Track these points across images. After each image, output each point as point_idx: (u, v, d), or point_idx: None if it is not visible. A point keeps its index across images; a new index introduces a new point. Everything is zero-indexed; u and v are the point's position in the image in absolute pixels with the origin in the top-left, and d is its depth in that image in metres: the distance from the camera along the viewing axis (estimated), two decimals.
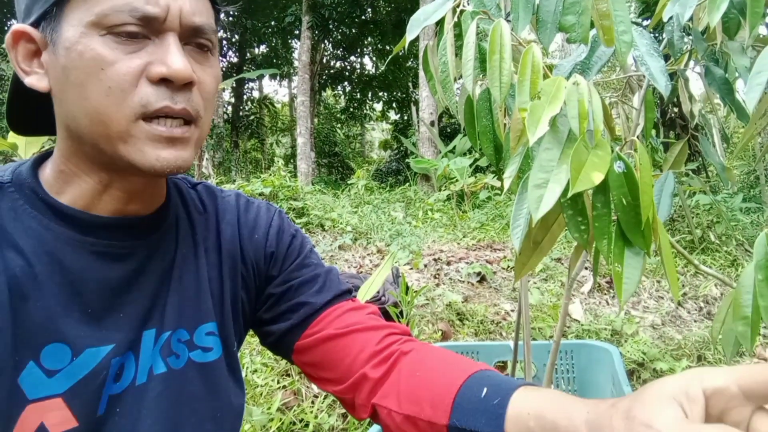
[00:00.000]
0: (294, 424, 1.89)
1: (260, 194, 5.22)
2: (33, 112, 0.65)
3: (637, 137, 1.08)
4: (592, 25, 0.76)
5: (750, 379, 0.37)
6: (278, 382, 2.11)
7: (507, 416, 0.54)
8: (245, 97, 17.55)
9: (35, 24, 0.55)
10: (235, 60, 16.76)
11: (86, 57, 0.52)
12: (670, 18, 0.90)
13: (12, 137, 2.89)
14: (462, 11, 0.76)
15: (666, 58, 0.89)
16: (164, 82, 0.53)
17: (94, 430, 0.56)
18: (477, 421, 0.56)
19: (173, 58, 0.53)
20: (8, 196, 0.57)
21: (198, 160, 6.93)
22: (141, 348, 0.61)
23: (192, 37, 0.56)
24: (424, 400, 0.61)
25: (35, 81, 0.56)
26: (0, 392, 0.51)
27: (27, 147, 2.70)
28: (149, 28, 0.53)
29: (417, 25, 0.77)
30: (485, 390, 0.57)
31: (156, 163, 0.54)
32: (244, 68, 15.97)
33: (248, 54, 17.12)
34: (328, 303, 0.72)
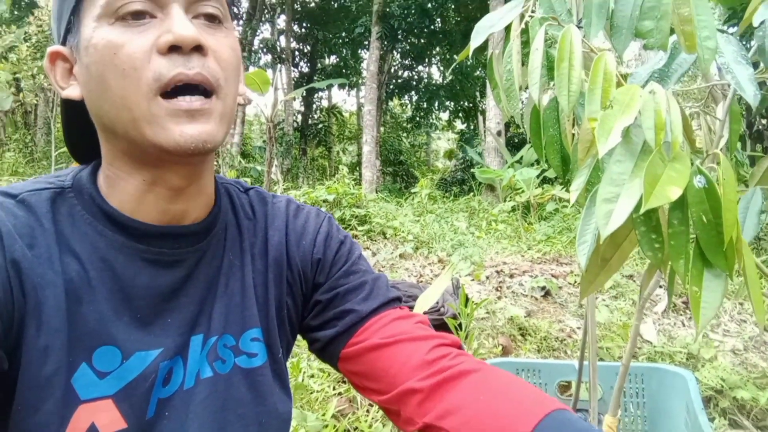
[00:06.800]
0: (348, 431, 1.90)
1: (324, 201, 5.32)
2: (88, 138, 0.68)
3: (721, 150, 1.01)
4: (672, 31, 0.72)
5: None
6: (334, 389, 2.12)
7: None
8: (314, 106, 17.99)
9: (63, 42, 0.59)
10: (306, 70, 17.25)
11: (100, 47, 0.54)
12: (762, 23, 0.83)
13: None
14: (531, 17, 0.74)
15: (755, 66, 0.82)
16: (175, 50, 0.54)
17: None
18: None
19: (177, 24, 0.53)
20: (68, 201, 0.59)
21: (267, 167, 7.14)
22: (189, 353, 0.62)
23: (196, 6, 0.57)
24: (488, 429, 0.56)
25: (70, 92, 0.59)
26: (55, 391, 0.53)
27: None
28: (153, 4, 0.54)
29: (482, 32, 0.76)
30: None
31: (180, 139, 0.54)
32: (315, 78, 16.39)
33: (319, 64, 17.57)
34: (375, 311, 0.70)
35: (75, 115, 0.65)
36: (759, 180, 1.07)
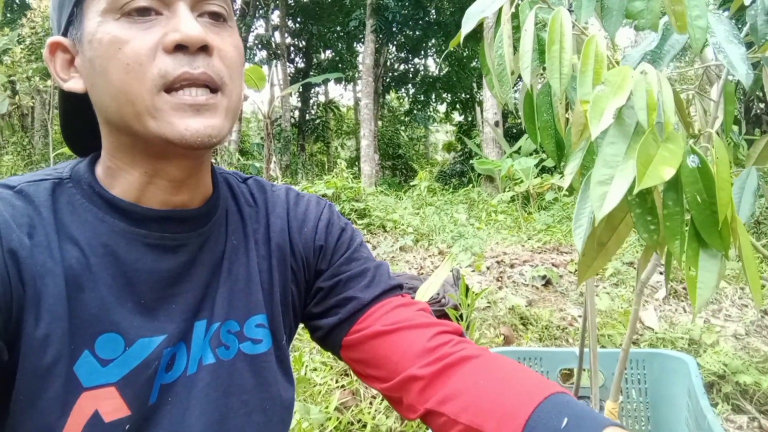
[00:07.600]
0: (351, 424, 1.90)
1: (323, 195, 5.32)
2: (87, 130, 0.68)
3: (716, 132, 1.00)
4: (663, 12, 0.71)
5: None
6: (337, 382, 2.12)
7: None
8: (311, 101, 17.94)
9: (65, 33, 0.59)
10: (301, 65, 17.19)
11: (105, 42, 0.54)
12: (753, 1, 0.83)
13: None
14: (521, 1, 0.73)
15: (748, 46, 0.82)
16: (180, 49, 0.54)
17: (146, 418, 0.58)
18: None
19: (184, 24, 0.54)
20: (67, 191, 0.60)
21: (266, 163, 7.14)
22: (192, 338, 0.62)
23: (202, 4, 0.57)
24: (488, 413, 0.56)
25: (72, 84, 0.59)
26: (57, 379, 0.53)
27: None
28: (159, 2, 0.54)
29: (473, 18, 0.75)
30: (566, 420, 0.52)
31: (186, 133, 0.54)
32: (311, 73, 16.33)
33: (314, 59, 17.49)
34: (377, 298, 0.70)
35: (74, 107, 0.65)
36: (755, 161, 1.06)
